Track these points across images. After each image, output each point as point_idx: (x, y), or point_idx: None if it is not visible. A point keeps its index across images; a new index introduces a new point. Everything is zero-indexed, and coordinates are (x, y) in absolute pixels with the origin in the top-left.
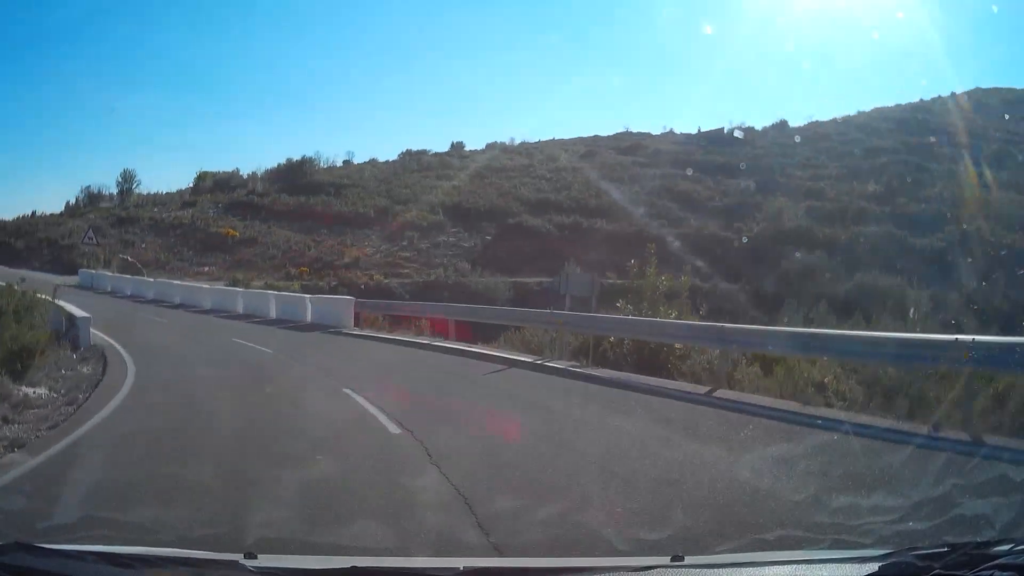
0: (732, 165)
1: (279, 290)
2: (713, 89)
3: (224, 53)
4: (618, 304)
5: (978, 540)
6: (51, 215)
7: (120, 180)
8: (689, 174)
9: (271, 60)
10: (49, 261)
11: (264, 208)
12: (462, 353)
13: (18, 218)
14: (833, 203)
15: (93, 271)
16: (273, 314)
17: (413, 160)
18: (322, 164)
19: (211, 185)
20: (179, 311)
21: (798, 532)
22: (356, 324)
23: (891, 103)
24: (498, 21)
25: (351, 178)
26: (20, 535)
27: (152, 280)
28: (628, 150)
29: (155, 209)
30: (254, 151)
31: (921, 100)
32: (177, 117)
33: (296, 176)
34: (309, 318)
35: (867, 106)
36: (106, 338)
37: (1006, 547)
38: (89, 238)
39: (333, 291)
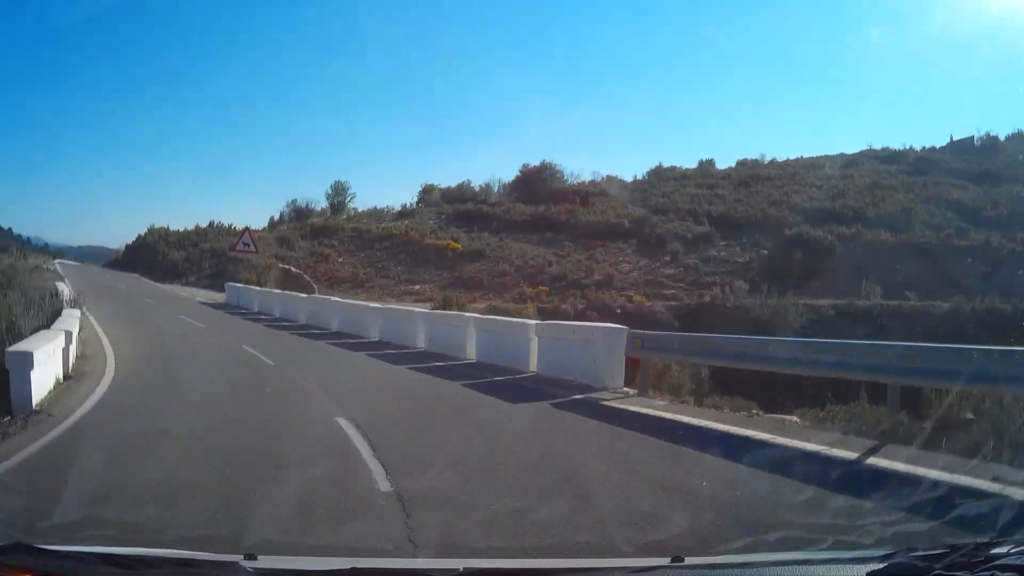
0: (992, 174)
1: (509, 315)
2: (924, 102)
3: (460, 78)
4: None
5: (978, 541)
6: (219, 225)
7: (330, 193)
8: (957, 182)
9: (511, 82)
10: (209, 275)
11: (496, 218)
12: None
13: (190, 229)
14: None
15: (240, 285)
16: (471, 353)
17: (665, 174)
18: (566, 179)
19: (438, 199)
20: (322, 343)
21: (798, 533)
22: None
23: None
24: (735, 42)
25: (597, 187)
26: (21, 535)
27: (305, 297)
28: (888, 159)
29: (363, 220)
30: (490, 171)
31: None
32: (405, 135)
33: (535, 184)
34: (534, 365)
35: None
36: (108, 387)
37: (1006, 548)
38: (245, 243)
39: (580, 315)
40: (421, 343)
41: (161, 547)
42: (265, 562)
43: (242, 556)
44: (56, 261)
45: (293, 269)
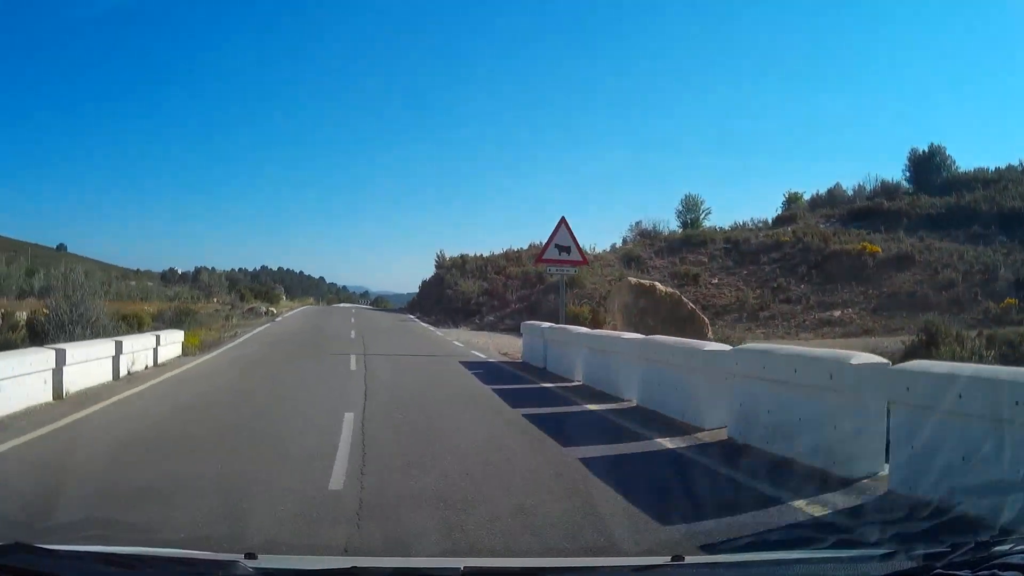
0: None
1: None
2: None
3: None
4: None
5: (979, 539)
6: (538, 246)
7: (681, 209)
8: None
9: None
10: (516, 311)
11: (901, 213)
12: None
13: (497, 253)
14: None
15: (543, 326)
16: None
17: None
18: (955, 166)
19: (806, 207)
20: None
21: (799, 532)
22: None
23: None
24: None
25: (998, 171)
26: (20, 535)
27: (712, 352)
28: None
29: (732, 231)
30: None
31: None
32: (762, 148)
33: (926, 172)
34: None
35: None
36: None
37: (1007, 546)
38: (561, 246)
39: None
40: None
41: (161, 547)
42: (265, 561)
43: (242, 555)
44: (340, 305)
45: (660, 287)
